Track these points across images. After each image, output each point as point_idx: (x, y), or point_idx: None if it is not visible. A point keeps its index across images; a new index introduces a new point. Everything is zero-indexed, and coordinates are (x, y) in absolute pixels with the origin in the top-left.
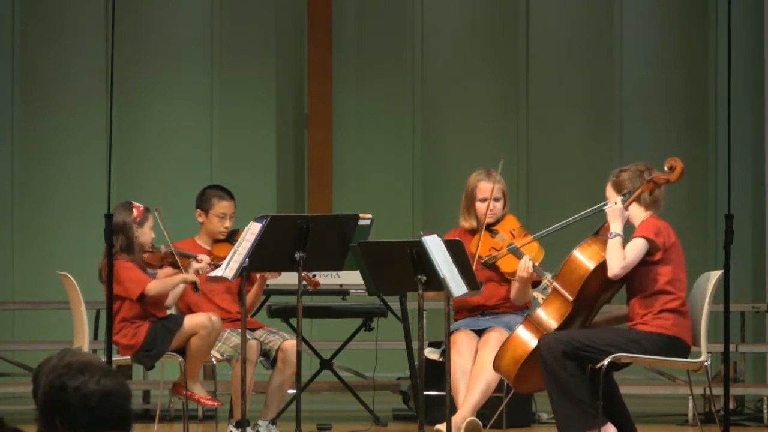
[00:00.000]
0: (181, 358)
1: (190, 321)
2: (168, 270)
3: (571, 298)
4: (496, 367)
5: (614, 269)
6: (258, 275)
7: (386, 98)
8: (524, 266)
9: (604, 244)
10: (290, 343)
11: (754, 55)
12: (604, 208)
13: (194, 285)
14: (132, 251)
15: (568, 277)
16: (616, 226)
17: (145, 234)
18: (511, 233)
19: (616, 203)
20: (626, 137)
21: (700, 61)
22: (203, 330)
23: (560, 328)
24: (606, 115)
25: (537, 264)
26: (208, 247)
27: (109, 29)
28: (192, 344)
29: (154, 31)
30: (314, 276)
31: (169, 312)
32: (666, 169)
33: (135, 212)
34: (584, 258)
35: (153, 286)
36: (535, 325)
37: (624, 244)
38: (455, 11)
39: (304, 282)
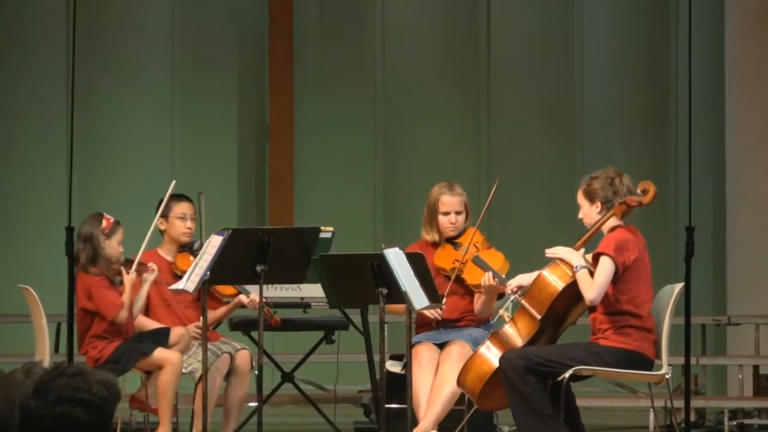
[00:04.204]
0: (142, 373)
1: (161, 354)
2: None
3: (539, 317)
4: (461, 383)
5: (589, 296)
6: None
7: (348, 110)
8: (487, 280)
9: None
10: (242, 353)
11: (715, 68)
12: (549, 254)
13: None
14: (97, 262)
15: (537, 295)
16: (577, 260)
17: (113, 247)
18: (474, 246)
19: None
20: (588, 149)
21: (661, 73)
22: (171, 367)
23: (527, 345)
24: (568, 127)
25: (503, 276)
26: (170, 258)
27: (70, 42)
28: (160, 380)
29: (115, 44)
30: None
31: (153, 327)
32: (639, 191)
33: (104, 223)
34: (553, 278)
35: (124, 316)
36: (502, 343)
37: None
38: (417, 24)
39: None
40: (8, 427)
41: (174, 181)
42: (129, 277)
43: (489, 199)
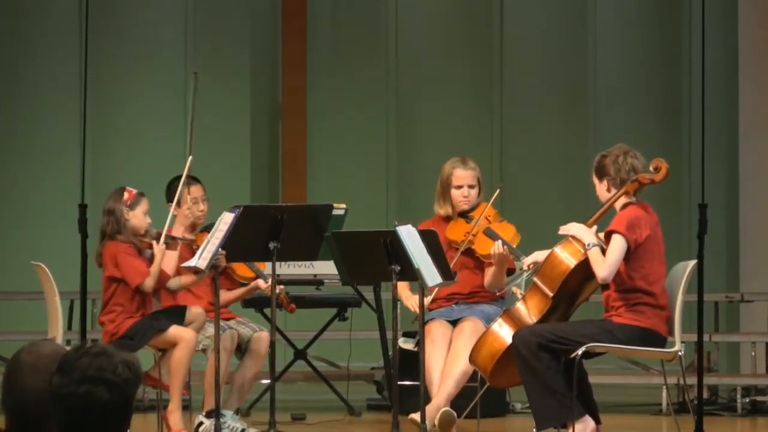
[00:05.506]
0: (156, 350)
1: (175, 331)
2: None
3: (551, 294)
4: (473, 360)
5: (600, 274)
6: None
7: (361, 89)
8: (497, 248)
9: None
10: (261, 335)
11: (728, 44)
12: (562, 232)
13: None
14: (122, 234)
15: (549, 273)
16: (589, 238)
17: (137, 217)
18: (486, 219)
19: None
20: (600, 130)
21: (674, 52)
22: (184, 344)
23: (539, 323)
24: (580, 109)
25: (514, 246)
26: (190, 237)
27: (83, 19)
28: (173, 357)
29: (129, 24)
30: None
31: (171, 303)
32: (651, 169)
33: (126, 195)
34: (565, 255)
35: (150, 284)
36: (514, 320)
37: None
38: (430, 4)
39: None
40: (22, 408)
41: (191, 157)
42: (159, 248)
43: (488, 204)
